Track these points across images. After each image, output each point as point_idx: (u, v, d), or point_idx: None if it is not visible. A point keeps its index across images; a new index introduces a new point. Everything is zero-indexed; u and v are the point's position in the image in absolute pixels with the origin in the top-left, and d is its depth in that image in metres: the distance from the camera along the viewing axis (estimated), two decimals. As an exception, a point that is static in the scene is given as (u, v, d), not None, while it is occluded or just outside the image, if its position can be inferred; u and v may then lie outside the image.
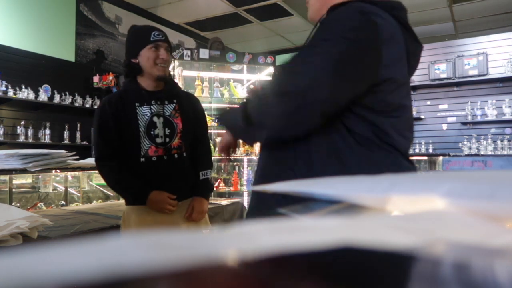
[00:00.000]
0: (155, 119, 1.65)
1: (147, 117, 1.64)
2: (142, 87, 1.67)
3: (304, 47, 0.94)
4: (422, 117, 5.72)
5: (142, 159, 1.63)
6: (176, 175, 1.68)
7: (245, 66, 4.25)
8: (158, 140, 1.64)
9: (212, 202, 2.85)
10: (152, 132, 1.63)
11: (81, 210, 2.57)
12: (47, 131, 4.69)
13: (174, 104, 1.71)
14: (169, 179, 1.66)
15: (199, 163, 1.78)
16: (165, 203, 1.60)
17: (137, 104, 1.65)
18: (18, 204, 3.15)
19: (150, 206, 1.60)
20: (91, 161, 2.72)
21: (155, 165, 1.63)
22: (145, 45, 1.61)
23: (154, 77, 1.65)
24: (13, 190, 2.97)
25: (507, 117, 5.07)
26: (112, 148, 1.64)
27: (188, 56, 3.94)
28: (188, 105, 1.77)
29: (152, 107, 1.66)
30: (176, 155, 1.67)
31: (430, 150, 5.47)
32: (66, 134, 4.88)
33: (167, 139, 1.66)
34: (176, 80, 3.84)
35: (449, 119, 5.57)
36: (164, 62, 1.64)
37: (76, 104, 5.01)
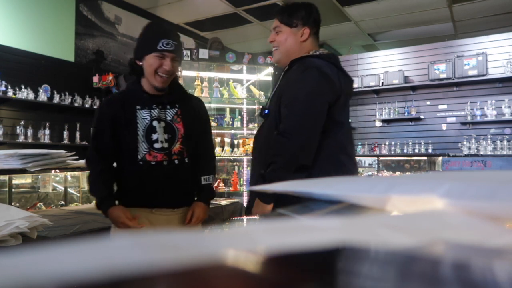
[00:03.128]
0: (155, 123, 1.60)
1: (147, 121, 1.59)
2: (144, 89, 1.62)
3: (287, 104, 1.47)
4: (422, 117, 5.72)
5: (140, 163, 1.58)
6: (175, 181, 1.61)
7: (244, 66, 4.25)
8: (157, 145, 1.58)
9: (212, 202, 2.84)
10: (151, 137, 1.58)
11: (80, 210, 2.57)
12: (47, 131, 4.68)
13: (177, 109, 1.65)
14: (167, 185, 1.60)
15: (202, 168, 1.73)
16: (119, 221, 1.52)
17: (138, 107, 1.60)
18: (17, 204, 3.14)
19: (110, 220, 1.56)
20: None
21: (153, 169, 1.58)
22: (151, 51, 1.54)
23: (153, 86, 1.59)
24: (13, 190, 2.97)
25: (506, 117, 5.07)
26: (100, 152, 1.61)
27: (188, 56, 3.94)
28: (191, 110, 1.70)
29: (153, 111, 1.60)
30: (176, 161, 1.61)
31: (430, 150, 5.47)
32: (65, 134, 4.88)
33: (167, 144, 1.60)
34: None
35: (449, 119, 5.57)
36: (167, 73, 1.56)
37: (76, 104, 5.00)
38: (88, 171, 1.69)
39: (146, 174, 1.58)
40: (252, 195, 1.59)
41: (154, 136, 1.58)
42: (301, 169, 1.41)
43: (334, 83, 1.48)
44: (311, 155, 1.42)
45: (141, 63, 1.59)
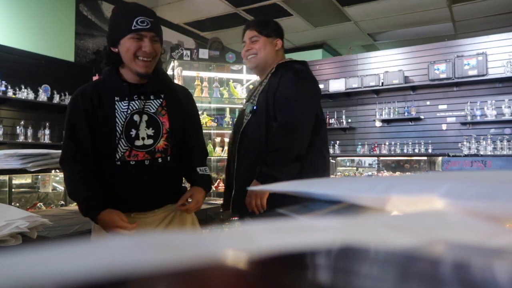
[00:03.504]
0: (135, 117, 1.39)
1: (126, 114, 1.38)
2: (124, 78, 1.42)
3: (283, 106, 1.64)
4: (422, 117, 5.72)
5: (118, 163, 1.38)
6: (156, 182, 1.43)
7: (244, 66, 4.25)
8: (138, 143, 1.38)
9: (212, 202, 2.84)
10: (130, 133, 1.38)
11: (80, 210, 2.56)
12: (47, 131, 4.69)
13: (161, 100, 1.45)
14: (148, 187, 1.42)
15: (194, 159, 1.55)
16: (114, 225, 1.31)
17: (116, 98, 1.39)
18: (17, 204, 3.14)
19: (101, 225, 1.34)
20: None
21: (133, 170, 1.38)
22: (126, 34, 1.33)
23: (134, 73, 1.39)
24: (13, 190, 2.97)
25: (506, 117, 5.07)
26: (79, 151, 1.40)
27: (188, 56, 3.94)
28: (177, 100, 1.51)
29: (133, 103, 1.40)
30: (160, 159, 1.42)
31: (430, 150, 5.47)
32: (65, 134, 4.88)
33: (151, 141, 1.40)
34: (175, 76, 3.84)
35: (449, 119, 5.57)
36: (148, 56, 1.35)
37: (76, 104, 5.00)
38: (64, 174, 1.45)
39: (124, 176, 1.39)
40: (239, 189, 1.68)
41: (134, 132, 1.38)
42: (298, 158, 1.60)
43: (318, 85, 1.80)
44: (306, 147, 1.62)
45: (116, 50, 1.38)
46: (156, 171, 1.42)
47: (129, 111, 1.39)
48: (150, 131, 1.41)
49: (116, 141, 1.37)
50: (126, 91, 1.40)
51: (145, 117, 1.41)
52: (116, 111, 1.38)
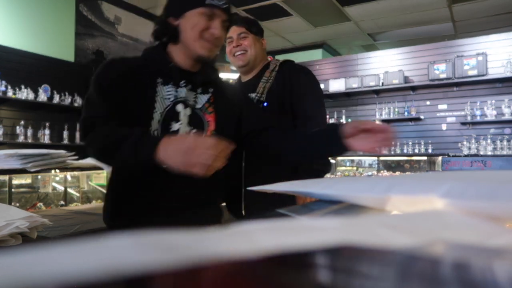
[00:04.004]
0: (179, 107, 1.13)
1: (168, 102, 1.11)
2: (172, 59, 1.16)
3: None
4: (422, 117, 5.72)
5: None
6: (192, 201, 1.14)
7: (244, 66, 4.24)
8: None
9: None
10: (170, 126, 1.10)
11: (80, 210, 2.57)
12: (47, 131, 4.69)
13: (209, 95, 1.19)
14: (180, 206, 1.12)
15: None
16: (203, 147, 0.87)
17: (158, 80, 1.12)
18: (17, 204, 3.14)
19: (172, 161, 0.90)
20: (90, 161, 2.72)
21: (165, 177, 1.01)
22: (196, 6, 1.10)
23: (193, 55, 1.14)
24: (13, 190, 2.97)
25: (506, 117, 5.07)
26: (107, 114, 1.07)
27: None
28: (227, 99, 1.25)
29: (179, 90, 1.13)
30: None
31: (430, 150, 5.47)
32: (65, 134, 4.88)
33: None
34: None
35: (449, 119, 5.57)
36: (215, 40, 1.13)
37: (76, 104, 5.01)
38: (86, 144, 1.07)
39: (152, 184, 1.09)
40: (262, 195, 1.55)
41: (175, 126, 1.11)
42: None
43: None
44: None
45: (177, 22, 1.13)
46: (193, 185, 1.07)
47: (172, 99, 1.12)
48: (192, 130, 1.13)
49: (150, 133, 1.08)
50: (173, 74, 1.14)
51: (188, 111, 1.14)
52: (157, 94, 1.10)
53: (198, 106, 1.17)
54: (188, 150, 0.87)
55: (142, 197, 1.11)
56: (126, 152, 0.95)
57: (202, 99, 1.18)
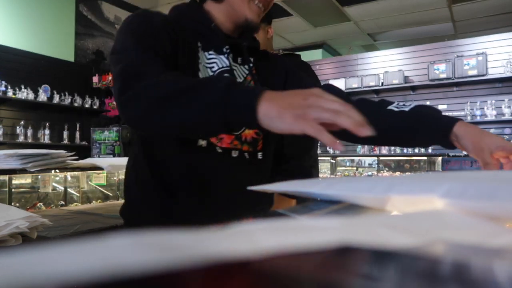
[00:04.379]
0: None
1: (211, 72, 0.92)
2: (214, 20, 0.96)
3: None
4: (422, 117, 5.72)
5: (202, 143, 0.87)
6: (242, 187, 0.84)
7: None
8: None
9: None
10: None
11: (80, 210, 2.57)
12: (47, 131, 4.69)
13: (251, 66, 1.00)
14: (232, 193, 0.92)
15: None
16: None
17: (199, 44, 0.93)
18: (17, 204, 3.14)
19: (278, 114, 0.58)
20: (90, 161, 2.72)
21: (218, 162, 0.89)
22: None
23: (239, 19, 0.97)
24: (13, 190, 2.97)
25: (506, 117, 5.07)
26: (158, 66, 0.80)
27: (188, 56, 3.93)
28: (271, 71, 1.05)
29: (222, 58, 0.94)
30: (247, 155, 0.94)
31: (430, 150, 5.47)
32: (65, 134, 4.89)
33: None
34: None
35: (449, 119, 5.57)
36: (266, 3, 1.01)
37: (76, 104, 5.01)
38: (126, 102, 0.75)
39: (205, 171, 0.88)
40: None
41: None
42: None
43: None
44: None
45: None
46: (242, 169, 0.92)
47: (215, 68, 0.92)
48: None
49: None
50: (216, 39, 0.94)
51: None
52: (200, 61, 0.91)
53: (238, 79, 0.96)
54: (304, 102, 0.57)
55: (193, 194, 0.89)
56: (210, 97, 0.64)
57: (242, 71, 0.98)
